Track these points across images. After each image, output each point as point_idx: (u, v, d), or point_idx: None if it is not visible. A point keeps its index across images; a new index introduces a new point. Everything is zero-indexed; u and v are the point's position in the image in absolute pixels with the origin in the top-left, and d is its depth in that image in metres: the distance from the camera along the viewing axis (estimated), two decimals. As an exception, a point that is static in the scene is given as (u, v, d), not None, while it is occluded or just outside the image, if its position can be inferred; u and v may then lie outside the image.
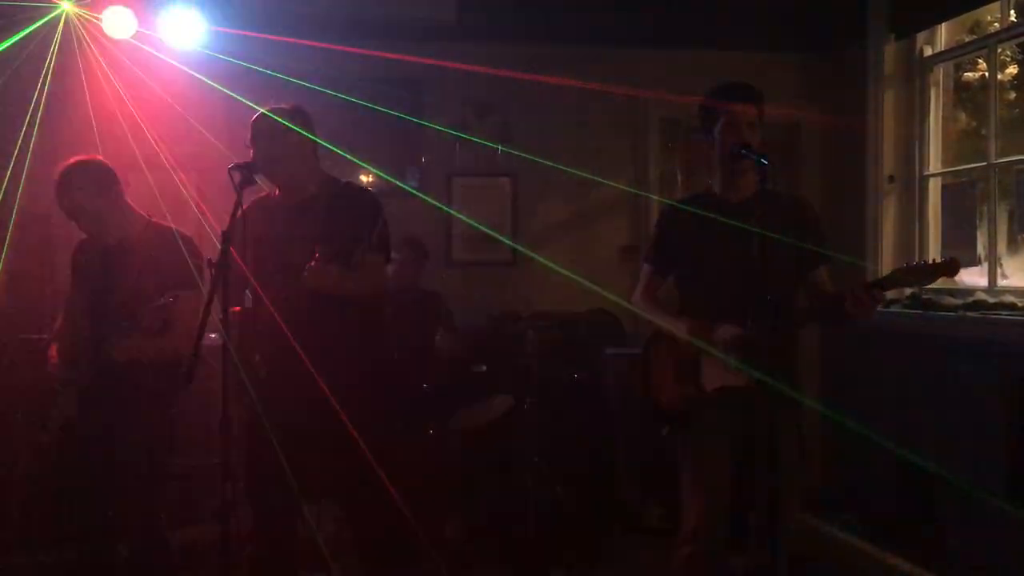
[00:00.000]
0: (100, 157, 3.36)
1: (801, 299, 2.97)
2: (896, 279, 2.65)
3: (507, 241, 5.32)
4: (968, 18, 4.56)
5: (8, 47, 3.87)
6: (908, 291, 4.43)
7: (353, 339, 3.10)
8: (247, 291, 3.13)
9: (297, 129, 3.12)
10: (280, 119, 3.10)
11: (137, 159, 3.99)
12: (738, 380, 2.82)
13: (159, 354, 3.14)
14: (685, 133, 5.42)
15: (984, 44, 4.37)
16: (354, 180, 4.87)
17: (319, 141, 3.24)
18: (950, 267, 2.58)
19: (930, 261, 2.61)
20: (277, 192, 3.23)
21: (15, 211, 4.16)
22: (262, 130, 3.10)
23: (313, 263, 2.90)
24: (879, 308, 2.68)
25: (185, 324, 3.06)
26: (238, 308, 3.09)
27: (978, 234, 4.44)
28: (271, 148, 3.06)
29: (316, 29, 4.57)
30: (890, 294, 3.73)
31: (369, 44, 4.61)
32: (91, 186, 3.24)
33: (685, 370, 2.96)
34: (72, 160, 3.27)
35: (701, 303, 2.97)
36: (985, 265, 4.33)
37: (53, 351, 3.35)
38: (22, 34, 3.92)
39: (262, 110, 3.14)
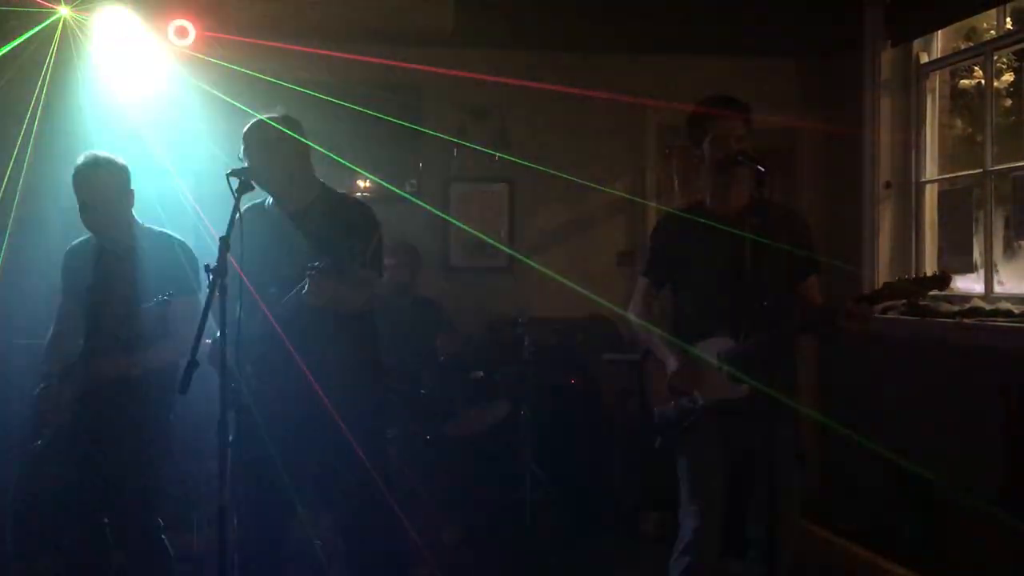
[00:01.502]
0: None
1: (795, 309, 2.97)
2: (886, 293, 2.66)
3: (504, 247, 5.32)
4: (964, 25, 4.57)
5: (6, 52, 3.86)
6: (903, 298, 4.43)
7: (346, 347, 3.08)
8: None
9: (292, 134, 3.10)
10: (273, 126, 3.08)
11: (135, 164, 3.99)
12: (735, 392, 2.81)
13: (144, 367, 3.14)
14: (681, 140, 5.41)
15: (980, 51, 4.38)
16: (352, 191, 4.87)
17: (316, 147, 3.22)
18: (940, 281, 2.58)
19: (921, 275, 2.62)
20: (271, 201, 3.22)
21: (12, 215, 4.16)
22: (253, 141, 3.07)
23: (308, 277, 2.87)
24: (875, 316, 2.68)
25: (182, 330, 3.05)
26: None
27: (974, 241, 4.45)
28: (263, 159, 3.03)
29: (315, 36, 4.57)
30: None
31: (367, 51, 4.61)
32: (114, 181, 3.21)
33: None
34: (101, 152, 3.23)
35: (695, 314, 2.97)
36: (981, 272, 4.34)
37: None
38: (20, 40, 3.92)
39: (257, 117, 3.11)
